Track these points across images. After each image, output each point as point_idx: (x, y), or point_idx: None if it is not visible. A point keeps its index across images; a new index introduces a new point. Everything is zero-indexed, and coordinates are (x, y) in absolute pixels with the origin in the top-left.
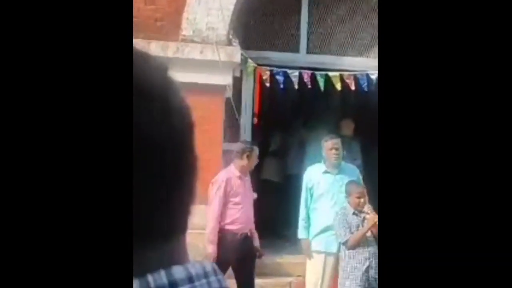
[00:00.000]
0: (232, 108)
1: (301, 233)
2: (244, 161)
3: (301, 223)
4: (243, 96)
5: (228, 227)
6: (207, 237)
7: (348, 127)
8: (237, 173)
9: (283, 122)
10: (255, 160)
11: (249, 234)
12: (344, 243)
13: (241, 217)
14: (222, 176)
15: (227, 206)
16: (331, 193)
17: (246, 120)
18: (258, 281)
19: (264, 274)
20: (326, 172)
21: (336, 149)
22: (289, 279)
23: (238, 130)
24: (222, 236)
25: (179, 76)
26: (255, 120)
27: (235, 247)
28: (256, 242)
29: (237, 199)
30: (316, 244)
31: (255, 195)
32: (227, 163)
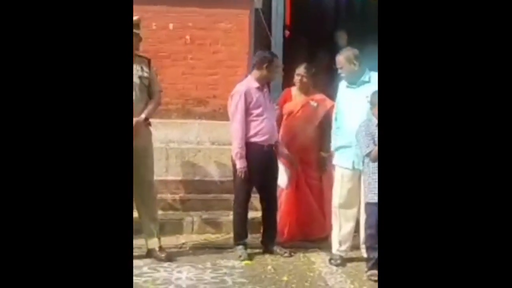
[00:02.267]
0: (262, 20)
1: (333, 146)
2: (263, 72)
3: (332, 136)
4: (273, 6)
5: (253, 139)
6: (235, 152)
7: (342, 38)
8: (256, 84)
9: (316, 33)
10: (274, 71)
11: (274, 146)
12: (368, 155)
13: (264, 127)
14: (240, 88)
15: (249, 118)
16: (352, 109)
17: (276, 33)
18: None
19: None
20: (347, 86)
21: (341, 68)
22: None
23: (269, 44)
24: (248, 149)
25: None
26: (287, 32)
27: (261, 159)
28: (285, 151)
29: (259, 111)
30: (337, 158)
31: (276, 107)
32: None
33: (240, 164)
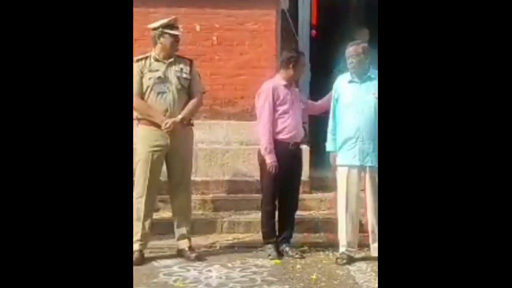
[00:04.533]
0: (288, 21)
1: (328, 146)
2: (290, 70)
3: (328, 135)
4: (299, 7)
5: (279, 136)
6: (264, 148)
7: (364, 35)
8: (283, 82)
9: (344, 33)
10: (301, 69)
11: (300, 144)
12: None
13: (290, 125)
14: (267, 85)
15: (276, 115)
16: (355, 104)
17: (303, 33)
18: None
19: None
20: (350, 81)
21: (353, 57)
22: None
23: (296, 44)
24: (274, 146)
25: None
26: (313, 32)
27: (287, 157)
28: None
29: (285, 107)
30: (340, 157)
31: (302, 106)
32: None
33: (270, 159)
